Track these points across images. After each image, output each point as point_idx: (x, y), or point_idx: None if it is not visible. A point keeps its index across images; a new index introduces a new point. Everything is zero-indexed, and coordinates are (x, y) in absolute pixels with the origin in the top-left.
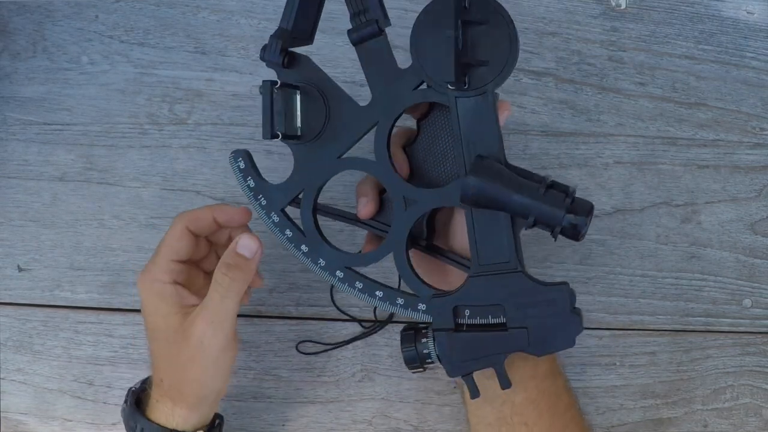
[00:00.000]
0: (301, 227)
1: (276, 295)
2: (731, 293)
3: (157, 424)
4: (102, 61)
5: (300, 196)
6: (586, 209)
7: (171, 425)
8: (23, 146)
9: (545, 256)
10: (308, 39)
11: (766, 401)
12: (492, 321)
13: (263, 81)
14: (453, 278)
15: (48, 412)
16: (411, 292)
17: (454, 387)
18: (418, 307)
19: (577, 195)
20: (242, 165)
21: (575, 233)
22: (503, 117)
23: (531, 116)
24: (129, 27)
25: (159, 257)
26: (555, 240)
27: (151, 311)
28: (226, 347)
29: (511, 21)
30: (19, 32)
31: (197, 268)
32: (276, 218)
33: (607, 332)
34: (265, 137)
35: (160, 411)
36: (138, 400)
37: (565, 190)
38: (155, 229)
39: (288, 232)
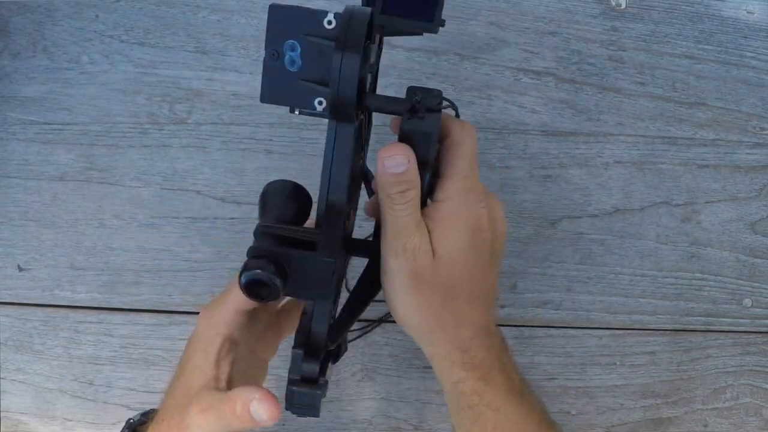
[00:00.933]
0: None
1: None
2: (731, 293)
3: None
4: (102, 60)
5: None
6: (249, 267)
7: None
8: (23, 146)
9: (545, 256)
10: None
11: (766, 401)
12: None
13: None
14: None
15: (48, 412)
16: None
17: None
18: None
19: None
20: None
21: None
22: (390, 162)
23: (531, 116)
24: (129, 26)
25: (224, 301)
26: None
27: (193, 351)
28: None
29: (348, 48)
30: (19, 32)
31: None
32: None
33: (607, 332)
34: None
35: None
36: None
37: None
38: (155, 228)
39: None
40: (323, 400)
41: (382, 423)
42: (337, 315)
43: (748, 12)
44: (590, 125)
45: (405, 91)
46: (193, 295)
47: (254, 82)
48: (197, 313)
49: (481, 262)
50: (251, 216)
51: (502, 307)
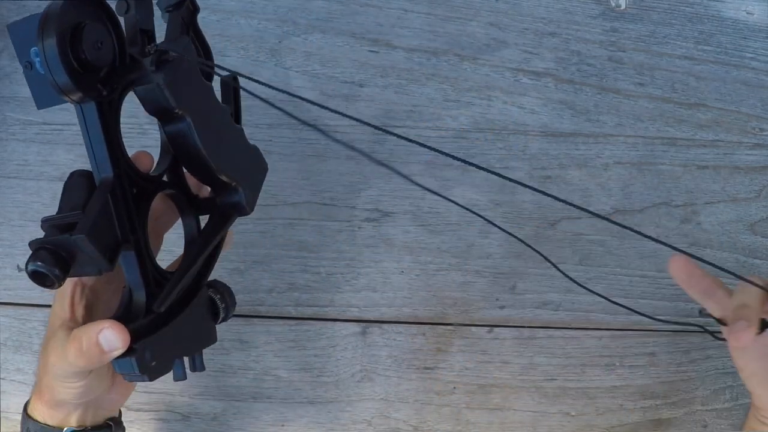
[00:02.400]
0: None
1: (275, 296)
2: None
3: (35, 420)
4: None
5: None
6: (30, 260)
7: (45, 421)
8: (23, 146)
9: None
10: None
11: None
12: None
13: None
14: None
15: None
16: None
17: (454, 388)
18: None
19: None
20: None
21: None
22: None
23: (531, 116)
24: None
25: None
26: None
27: (53, 301)
28: (74, 380)
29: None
30: None
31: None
32: None
33: (606, 332)
34: None
35: (34, 407)
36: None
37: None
38: None
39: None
40: (323, 400)
41: (382, 424)
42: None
43: (747, 13)
44: (590, 126)
45: (405, 92)
46: None
47: (253, 83)
48: None
49: None
50: (251, 216)
51: (502, 307)
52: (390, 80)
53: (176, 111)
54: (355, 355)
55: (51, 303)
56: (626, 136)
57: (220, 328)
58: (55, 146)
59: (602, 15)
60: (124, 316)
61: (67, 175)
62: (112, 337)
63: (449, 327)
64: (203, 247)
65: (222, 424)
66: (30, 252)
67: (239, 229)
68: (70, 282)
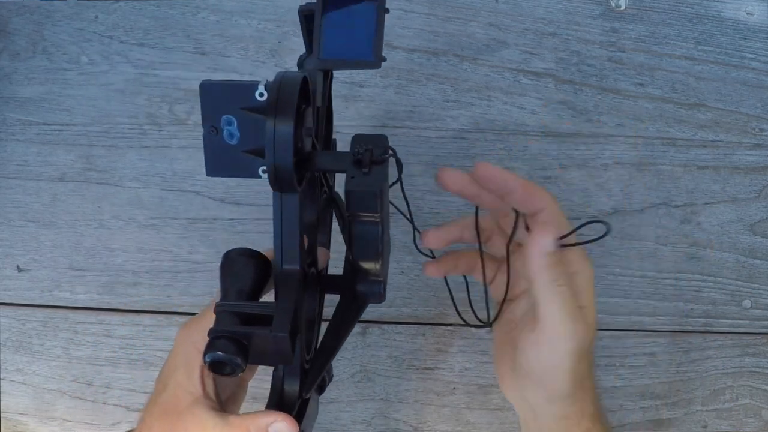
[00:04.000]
0: None
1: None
2: (731, 294)
3: None
4: (102, 61)
5: None
6: (211, 349)
7: None
8: (23, 146)
9: None
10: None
11: (765, 402)
12: None
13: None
14: None
15: (47, 413)
16: None
17: (454, 388)
18: None
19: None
20: None
21: None
22: (540, 247)
23: (531, 117)
24: (128, 27)
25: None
26: None
27: (182, 358)
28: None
29: (277, 114)
30: (19, 32)
31: None
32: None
33: (606, 333)
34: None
35: None
36: None
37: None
38: (155, 229)
39: None
40: (323, 400)
41: (382, 424)
42: (312, 353)
43: (747, 13)
44: (590, 126)
45: (405, 92)
46: (192, 296)
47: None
48: (197, 314)
49: None
50: (251, 217)
51: None
52: (390, 80)
53: (376, 215)
54: (354, 355)
55: (51, 304)
56: (626, 136)
57: None
58: (55, 146)
59: (602, 15)
60: (280, 404)
61: (68, 175)
62: (284, 430)
63: (449, 327)
64: (346, 332)
65: None
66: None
67: (239, 230)
68: (200, 354)
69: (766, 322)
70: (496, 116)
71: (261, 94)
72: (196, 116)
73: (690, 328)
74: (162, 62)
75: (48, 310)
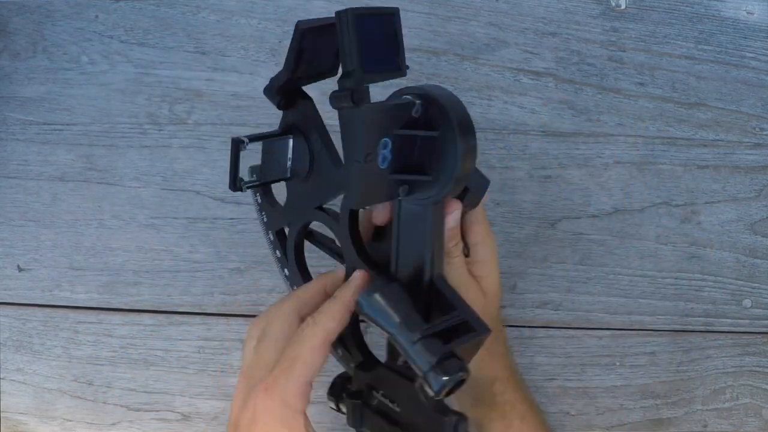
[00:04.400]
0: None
1: (276, 296)
2: (731, 293)
3: None
4: (102, 61)
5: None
6: (453, 370)
7: None
8: (23, 146)
9: (545, 256)
10: (331, 71)
11: (766, 401)
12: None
13: (231, 138)
14: None
15: (48, 412)
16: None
17: None
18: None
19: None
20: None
21: (430, 392)
22: (452, 217)
23: (531, 116)
24: (129, 27)
25: (295, 374)
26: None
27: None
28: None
29: (467, 133)
30: (19, 32)
31: None
32: (272, 237)
33: (606, 332)
34: (231, 189)
35: None
36: None
37: (453, 353)
38: (155, 229)
39: (278, 253)
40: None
41: None
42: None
43: (747, 12)
44: (590, 126)
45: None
46: (192, 296)
47: (254, 83)
48: (197, 313)
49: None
50: (251, 216)
51: (502, 307)
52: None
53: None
54: None
55: (51, 303)
56: (626, 135)
57: (222, 327)
58: (55, 146)
59: (602, 15)
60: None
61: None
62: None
63: None
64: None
65: (222, 424)
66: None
67: (239, 229)
68: (299, 415)
69: (766, 322)
70: (497, 115)
71: (417, 111)
72: (197, 116)
73: (690, 328)
74: (162, 62)
75: (48, 310)
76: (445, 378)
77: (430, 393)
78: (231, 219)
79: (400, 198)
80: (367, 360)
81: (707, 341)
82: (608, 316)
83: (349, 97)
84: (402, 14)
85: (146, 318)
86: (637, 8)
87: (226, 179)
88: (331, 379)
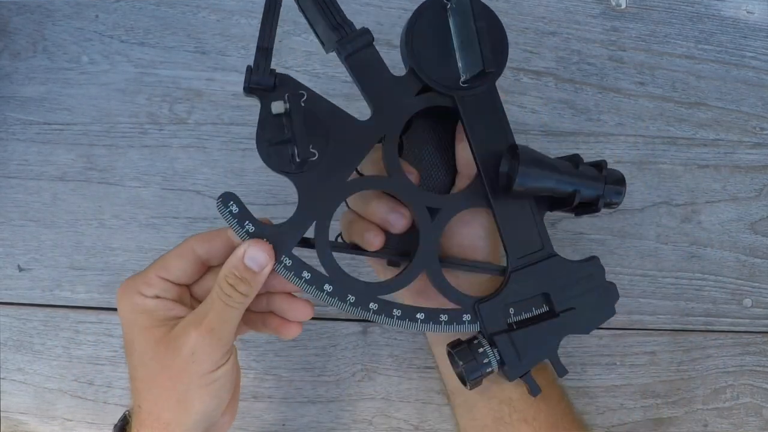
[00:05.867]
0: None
1: None
2: (731, 293)
3: None
4: (102, 60)
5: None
6: (619, 177)
7: None
8: (23, 146)
9: None
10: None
11: (766, 401)
12: (537, 312)
13: (288, 96)
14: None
15: (48, 412)
16: (449, 307)
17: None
18: (463, 319)
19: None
20: (235, 209)
21: (615, 202)
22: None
23: (531, 116)
24: (129, 27)
25: (148, 270)
26: (599, 211)
27: (129, 324)
28: (220, 362)
29: (495, 14)
30: (19, 32)
31: (187, 291)
32: (288, 262)
33: (607, 332)
34: (302, 156)
35: None
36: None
37: (598, 164)
38: (155, 228)
39: (305, 275)
40: (323, 400)
41: (383, 423)
42: None
43: (747, 12)
44: (590, 125)
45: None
46: None
47: None
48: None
49: None
50: None
51: None
52: None
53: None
54: (356, 354)
55: (52, 303)
56: (627, 135)
57: None
58: (55, 146)
59: (603, 14)
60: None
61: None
62: (258, 256)
63: None
64: None
65: None
66: None
67: None
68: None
69: (766, 321)
70: None
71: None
72: (197, 115)
73: (691, 327)
74: (162, 61)
75: (49, 310)
76: (621, 187)
77: (619, 200)
78: None
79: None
80: None
81: (707, 341)
82: None
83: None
84: (402, 14)
85: None
86: (637, 8)
87: (226, 179)
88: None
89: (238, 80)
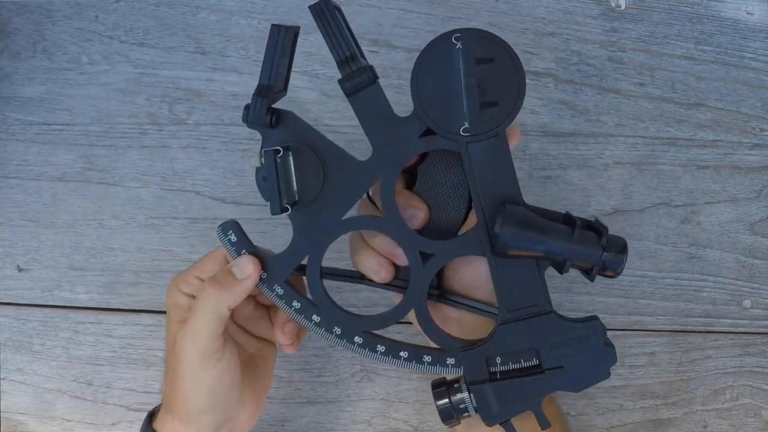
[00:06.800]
0: (309, 296)
1: None
2: (731, 294)
3: None
4: (102, 61)
5: (303, 263)
6: (621, 246)
7: None
8: (23, 146)
9: None
10: (283, 90)
11: (765, 402)
12: (525, 365)
13: (264, 151)
14: (453, 325)
15: (47, 412)
16: (435, 347)
17: None
18: (447, 362)
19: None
20: (233, 238)
21: (613, 272)
22: (513, 143)
23: (530, 117)
24: (129, 27)
25: (189, 268)
26: (593, 281)
27: (168, 316)
28: (203, 365)
29: (515, 53)
30: (19, 32)
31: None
32: (280, 290)
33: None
34: (274, 213)
35: (163, 422)
36: (153, 414)
37: (597, 229)
38: (155, 229)
39: (296, 304)
40: (323, 400)
41: (382, 424)
42: None
43: (747, 13)
44: (590, 126)
45: (405, 92)
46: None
47: (254, 83)
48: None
49: None
50: (251, 217)
51: None
52: (390, 80)
53: None
54: (355, 354)
55: (51, 303)
56: (626, 136)
57: None
58: (55, 146)
59: (602, 15)
60: None
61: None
62: (246, 266)
63: None
64: None
65: None
66: None
67: None
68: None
69: (766, 322)
70: None
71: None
72: (197, 116)
73: (690, 328)
74: (162, 62)
75: (48, 310)
76: (621, 255)
77: (619, 270)
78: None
79: (467, 138)
80: None
81: (707, 341)
82: (608, 317)
83: (366, 73)
84: (402, 14)
85: (146, 318)
86: (637, 8)
87: (226, 180)
88: None
89: (238, 81)
